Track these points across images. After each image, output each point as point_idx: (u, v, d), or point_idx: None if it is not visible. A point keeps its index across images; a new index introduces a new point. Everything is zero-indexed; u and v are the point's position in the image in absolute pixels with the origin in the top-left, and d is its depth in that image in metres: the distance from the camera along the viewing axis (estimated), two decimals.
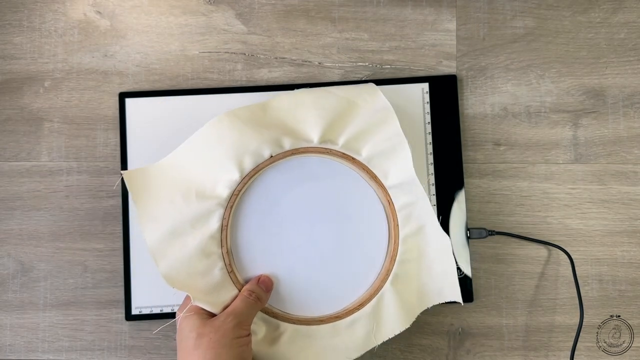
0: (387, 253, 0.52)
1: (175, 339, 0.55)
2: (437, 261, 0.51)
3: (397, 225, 0.51)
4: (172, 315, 0.54)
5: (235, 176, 0.49)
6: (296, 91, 0.52)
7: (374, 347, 0.50)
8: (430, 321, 0.56)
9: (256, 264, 0.51)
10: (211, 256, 0.48)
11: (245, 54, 0.57)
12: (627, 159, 0.56)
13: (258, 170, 0.50)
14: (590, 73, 0.57)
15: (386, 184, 0.51)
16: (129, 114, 0.55)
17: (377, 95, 0.51)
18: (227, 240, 0.49)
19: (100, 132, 0.56)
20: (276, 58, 0.56)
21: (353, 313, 0.50)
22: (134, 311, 0.54)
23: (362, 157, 0.51)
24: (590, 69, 0.57)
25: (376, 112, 0.51)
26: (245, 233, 0.50)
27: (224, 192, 0.49)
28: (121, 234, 0.55)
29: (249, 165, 0.49)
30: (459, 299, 0.51)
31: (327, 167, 0.52)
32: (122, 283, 0.55)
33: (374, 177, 0.51)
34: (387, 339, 0.50)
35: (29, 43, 0.56)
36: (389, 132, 0.51)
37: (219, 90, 0.56)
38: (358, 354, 0.50)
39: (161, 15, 0.57)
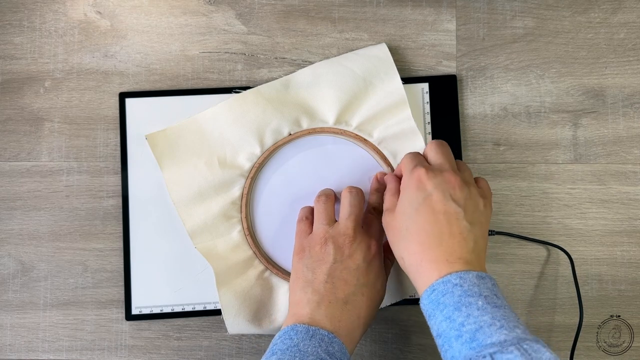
0: None
1: (175, 339, 0.55)
2: None
3: None
4: (172, 315, 0.54)
5: (256, 150, 0.54)
6: (317, 65, 0.55)
7: None
8: None
9: (271, 230, 0.55)
10: (231, 219, 0.54)
11: (245, 54, 0.57)
12: (627, 159, 0.56)
13: (277, 146, 0.54)
14: (589, 73, 0.57)
15: (395, 164, 0.54)
16: (129, 114, 0.55)
17: (393, 76, 0.54)
18: (246, 207, 0.54)
19: (100, 132, 0.56)
20: (276, 58, 0.57)
21: None
22: (134, 311, 0.54)
23: (373, 138, 0.54)
24: (589, 69, 0.57)
25: (390, 94, 0.54)
26: (262, 201, 0.55)
27: (245, 164, 0.54)
28: (121, 234, 0.55)
29: (269, 141, 0.54)
30: None
31: (340, 146, 0.55)
32: (122, 283, 0.55)
33: (383, 158, 0.54)
34: (383, 306, 0.53)
35: (29, 43, 0.56)
36: (400, 117, 0.54)
37: (219, 90, 0.56)
38: None
39: (161, 15, 0.57)
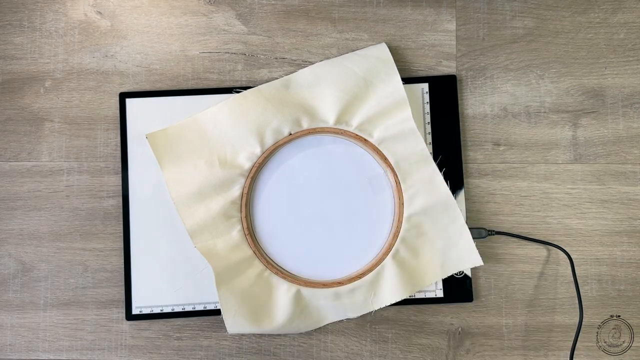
0: (391, 229, 0.55)
1: (175, 339, 0.55)
2: (447, 234, 0.54)
3: (403, 204, 0.54)
4: (172, 315, 0.54)
5: (256, 150, 0.54)
6: (318, 65, 0.55)
7: (371, 312, 0.54)
8: (430, 321, 0.56)
9: (270, 229, 0.55)
10: (231, 219, 0.54)
11: (245, 54, 0.57)
12: (627, 159, 0.56)
13: (278, 145, 0.54)
14: (589, 73, 0.57)
15: (395, 164, 0.54)
16: (130, 114, 0.55)
17: (393, 77, 0.55)
18: (246, 206, 0.54)
19: (100, 132, 0.56)
20: (276, 58, 0.57)
21: (354, 281, 0.54)
22: (134, 311, 0.54)
23: (373, 138, 0.54)
24: (589, 69, 0.57)
25: (390, 94, 0.54)
26: (262, 201, 0.55)
27: (245, 163, 0.54)
28: (121, 234, 0.55)
29: (269, 140, 0.54)
30: (478, 262, 0.54)
31: (340, 146, 0.55)
32: (122, 283, 0.55)
33: (383, 158, 0.54)
34: (383, 305, 0.54)
35: (30, 43, 0.57)
36: (400, 117, 0.54)
37: (219, 90, 0.56)
38: (355, 315, 0.54)
39: (161, 15, 0.57)
